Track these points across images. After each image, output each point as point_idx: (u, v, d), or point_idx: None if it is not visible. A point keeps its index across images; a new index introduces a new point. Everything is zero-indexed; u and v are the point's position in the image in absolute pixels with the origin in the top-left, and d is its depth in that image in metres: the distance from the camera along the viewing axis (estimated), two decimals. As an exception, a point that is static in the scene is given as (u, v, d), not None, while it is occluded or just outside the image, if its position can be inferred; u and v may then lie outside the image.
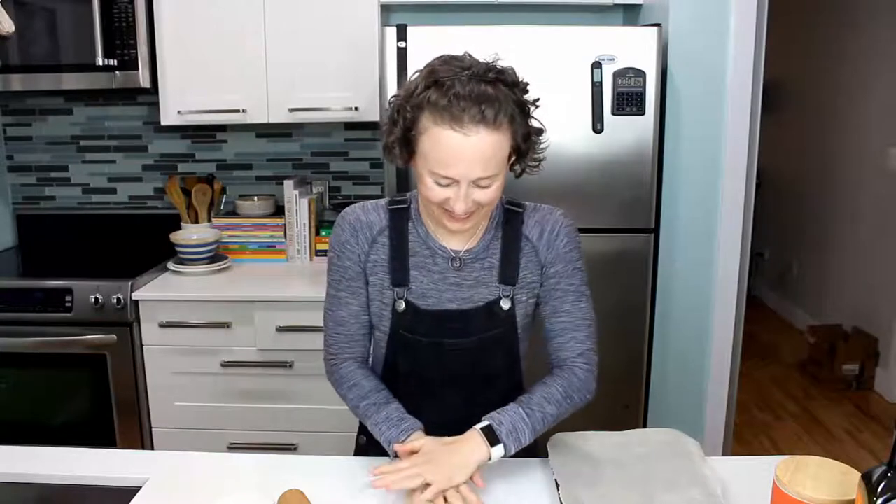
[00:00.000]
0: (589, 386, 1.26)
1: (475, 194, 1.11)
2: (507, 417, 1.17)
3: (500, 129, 1.08)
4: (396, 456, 1.18)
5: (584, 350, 1.26)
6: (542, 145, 1.19)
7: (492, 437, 1.14)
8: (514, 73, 1.13)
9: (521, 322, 1.28)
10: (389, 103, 1.17)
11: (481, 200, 1.12)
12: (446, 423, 1.22)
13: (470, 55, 1.13)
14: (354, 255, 1.26)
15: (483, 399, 1.27)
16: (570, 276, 1.26)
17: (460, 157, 1.07)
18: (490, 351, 1.28)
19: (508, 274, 1.25)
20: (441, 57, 1.13)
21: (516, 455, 1.20)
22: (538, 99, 1.16)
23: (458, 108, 1.05)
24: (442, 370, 1.28)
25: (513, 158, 1.17)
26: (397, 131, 1.13)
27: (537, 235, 1.26)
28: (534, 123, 1.16)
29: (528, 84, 1.15)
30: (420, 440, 1.17)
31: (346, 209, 1.28)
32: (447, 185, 1.11)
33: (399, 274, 1.25)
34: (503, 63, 1.13)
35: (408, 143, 1.13)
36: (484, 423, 1.16)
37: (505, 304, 1.25)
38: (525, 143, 1.15)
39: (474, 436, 1.15)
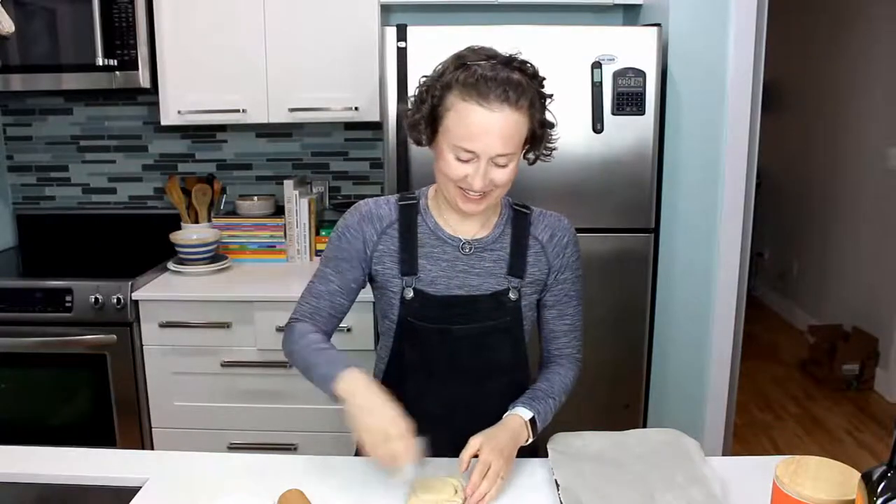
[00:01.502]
0: (579, 378, 1.41)
1: (492, 173, 1.17)
2: (544, 413, 1.27)
3: (520, 111, 1.15)
4: (334, 395, 1.15)
5: (580, 347, 1.40)
6: (555, 136, 1.27)
7: (532, 429, 1.25)
8: (534, 67, 1.21)
9: (526, 315, 1.32)
10: (417, 85, 1.24)
11: (497, 180, 1.18)
12: (452, 414, 1.26)
13: (494, 48, 1.21)
14: (358, 241, 1.29)
15: (489, 390, 1.31)
16: (574, 283, 1.36)
17: (484, 131, 1.14)
18: (496, 339, 1.31)
19: (517, 267, 1.30)
20: (468, 47, 1.21)
21: (516, 454, 1.22)
22: (552, 95, 1.24)
23: (485, 86, 1.13)
24: (449, 358, 1.30)
25: (527, 146, 1.23)
26: (424, 108, 1.20)
27: (547, 238, 1.32)
28: (548, 116, 1.23)
29: (545, 79, 1.23)
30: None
31: (361, 201, 1.34)
32: (467, 161, 1.17)
33: (407, 264, 1.28)
34: (523, 57, 1.21)
35: (433, 121, 1.20)
36: (529, 415, 1.25)
37: (513, 295, 1.30)
38: (540, 129, 1.22)
39: (523, 428, 1.24)
